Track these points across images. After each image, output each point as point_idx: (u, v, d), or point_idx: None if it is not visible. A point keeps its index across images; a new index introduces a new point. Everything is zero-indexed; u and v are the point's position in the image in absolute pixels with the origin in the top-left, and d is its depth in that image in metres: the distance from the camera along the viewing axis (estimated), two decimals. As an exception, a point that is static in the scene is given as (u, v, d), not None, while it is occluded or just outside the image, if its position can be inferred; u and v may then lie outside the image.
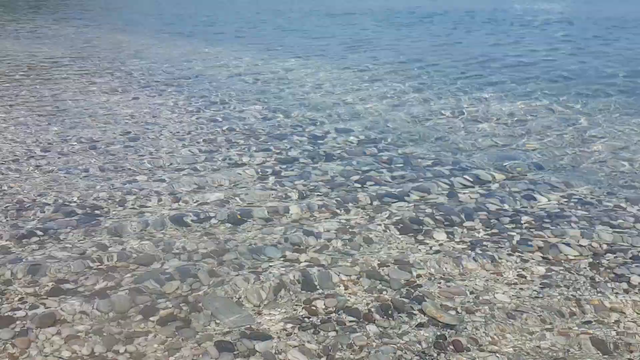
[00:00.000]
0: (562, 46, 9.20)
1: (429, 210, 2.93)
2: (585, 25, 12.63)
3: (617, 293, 2.15)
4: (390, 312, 2.06)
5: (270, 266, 2.38)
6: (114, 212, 2.88)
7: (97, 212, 2.88)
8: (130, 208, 2.95)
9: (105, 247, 2.52)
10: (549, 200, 3.04)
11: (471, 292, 2.16)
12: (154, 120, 4.67)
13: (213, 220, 2.82)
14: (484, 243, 2.56)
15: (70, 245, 2.52)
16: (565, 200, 3.05)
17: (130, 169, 3.54)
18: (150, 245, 2.55)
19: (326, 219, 2.85)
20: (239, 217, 2.87)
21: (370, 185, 3.34)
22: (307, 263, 2.40)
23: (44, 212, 2.88)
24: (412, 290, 2.19)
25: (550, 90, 5.85)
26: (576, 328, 1.95)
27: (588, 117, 4.79)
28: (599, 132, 4.35)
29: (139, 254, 2.48)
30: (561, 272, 2.30)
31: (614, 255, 2.44)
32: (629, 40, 10.03)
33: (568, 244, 2.53)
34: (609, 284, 2.21)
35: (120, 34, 11.21)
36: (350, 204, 3.04)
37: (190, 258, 2.45)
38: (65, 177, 3.37)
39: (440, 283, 2.24)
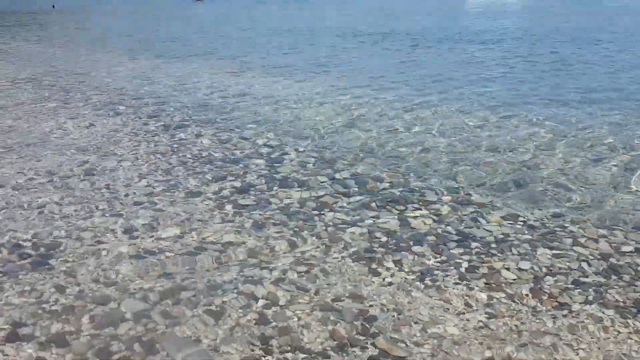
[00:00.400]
0: (517, 63, 9.53)
1: (382, 238, 3.02)
2: (539, 40, 13.09)
3: (554, 318, 2.27)
4: (344, 347, 2.13)
5: (225, 302, 2.42)
6: (69, 251, 2.87)
7: (52, 251, 2.87)
8: (88, 245, 2.94)
9: (62, 289, 2.51)
10: (494, 224, 3.18)
11: (420, 323, 2.26)
12: (110, 148, 4.64)
13: (169, 256, 2.84)
14: (434, 271, 2.66)
15: (28, 289, 2.51)
16: (510, 223, 3.19)
17: (87, 203, 3.52)
18: (106, 285, 2.55)
19: (283, 251, 2.91)
20: (194, 251, 2.90)
21: (327, 211, 3.42)
22: (263, 302, 2.45)
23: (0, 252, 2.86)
24: (365, 324, 2.27)
25: (505, 108, 6.06)
26: (515, 353, 2.07)
27: (537, 136, 4.98)
28: (547, 152, 4.54)
29: (94, 294, 2.48)
30: (503, 298, 2.42)
31: (554, 279, 2.57)
32: (580, 54, 10.44)
33: (508, 268, 2.66)
34: (549, 310, 2.33)
35: (82, 54, 11.07)
36: (306, 232, 3.11)
37: (145, 297, 2.46)
38: (21, 214, 3.34)
39: (392, 315, 2.32)
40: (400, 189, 3.74)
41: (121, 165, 4.23)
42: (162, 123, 5.50)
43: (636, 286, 2.51)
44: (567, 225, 3.15)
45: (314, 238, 3.05)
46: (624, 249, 2.86)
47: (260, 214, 3.37)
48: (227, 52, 11.25)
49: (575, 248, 2.88)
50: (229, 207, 3.47)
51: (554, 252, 2.83)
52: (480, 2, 33.11)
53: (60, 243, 2.96)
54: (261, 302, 2.44)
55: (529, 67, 8.59)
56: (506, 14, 21.50)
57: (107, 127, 5.28)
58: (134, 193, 3.68)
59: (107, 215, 3.33)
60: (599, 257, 2.78)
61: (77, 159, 4.36)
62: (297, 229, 3.16)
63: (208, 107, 6.17)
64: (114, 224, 3.21)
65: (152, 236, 3.07)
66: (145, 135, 5.07)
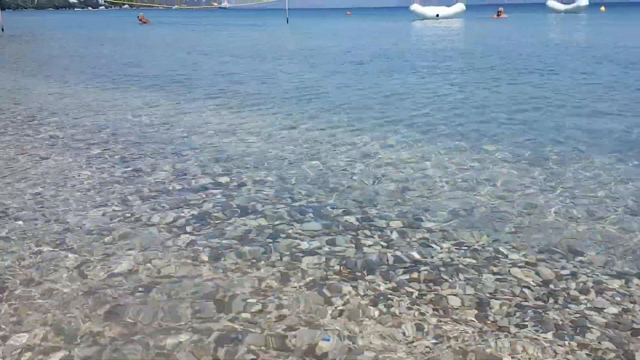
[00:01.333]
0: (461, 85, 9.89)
1: (335, 266, 3.11)
2: (486, 62, 13.60)
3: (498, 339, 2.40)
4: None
5: (181, 342, 2.42)
6: (17, 292, 2.82)
7: None
8: (37, 284, 2.90)
9: (5, 337, 2.45)
10: (442, 249, 3.31)
11: (372, 352, 2.33)
12: (63, 180, 4.58)
13: (121, 294, 2.82)
14: (387, 297, 2.76)
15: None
16: (455, 248, 3.33)
17: (38, 236, 3.48)
18: (55, 330, 2.50)
19: (239, 281, 2.95)
20: (147, 286, 2.90)
21: (283, 238, 3.49)
22: (217, 333, 2.47)
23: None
24: (319, 355, 2.33)
25: (453, 132, 6.29)
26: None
27: (480, 160, 5.20)
28: (487, 175, 4.75)
29: (44, 342, 2.41)
30: (449, 323, 2.53)
31: (499, 303, 2.71)
32: (514, 78, 10.92)
33: (456, 295, 2.78)
34: (493, 333, 2.46)
35: (36, 81, 10.85)
36: (263, 262, 3.16)
37: (96, 342, 2.41)
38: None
39: (347, 344, 2.38)
40: (355, 216, 3.84)
41: (74, 196, 4.19)
42: (119, 156, 5.46)
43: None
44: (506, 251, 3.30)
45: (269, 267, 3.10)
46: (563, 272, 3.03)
47: (218, 243, 3.40)
48: (177, 77, 11.26)
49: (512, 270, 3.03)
50: (183, 238, 3.49)
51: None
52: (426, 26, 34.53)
53: (7, 282, 2.91)
54: (214, 335, 2.46)
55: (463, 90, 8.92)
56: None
57: (59, 161, 5.21)
58: (87, 225, 3.66)
59: (58, 249, 3.30)
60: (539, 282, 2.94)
61: (29, 191, 4.29)
62: (253, 259, 3.21)
63: (162, 139, 6.17)
64: (65, 257, 3.18)
65: (105, 271, 3.05)
66: (98, 167, 5.03)
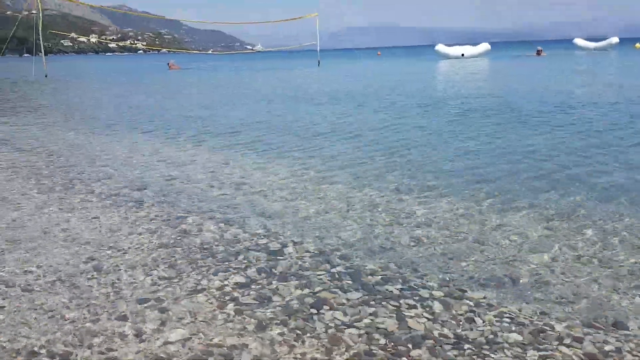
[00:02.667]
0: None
1: (380, 340, 3.17)
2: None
3: None
4: None
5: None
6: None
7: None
8: (97, 353, 3.06)
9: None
10: (485, 323, 3.34)
11: None
12: (115, 242, 4.80)
13: (178, 363, 2.96)
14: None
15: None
16: (497, 321, 3.36)
17: (94, 304, 3.65)
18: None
19: (286, 356, 3.04)
20: (200, 357, 3.02)
21: (326, 310, 3.58)
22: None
23: (14, 362, 2.97)
24: None
25: (489, 189, 6.33)
26: None
27: (521, 225, 5.22)
28: (530, 240, 4.76)
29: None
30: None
31: (544, 383, 2.72)
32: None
33: (503, 375, 2.81)
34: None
35: (72, 132, 11.35)
36: (308, 335, 3.25)
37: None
38: (34, 318, 3.45)
39: None
40: (397, 285, 3.91)
41: (126, 261, 4.38)
42: (165, 214, 5.69)
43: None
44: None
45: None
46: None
47: (262, 312, 3.51)
48: (221, 131, 11.60)
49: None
50: (230, 307, 3.61)
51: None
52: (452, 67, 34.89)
53: (71, 352, 3.07)
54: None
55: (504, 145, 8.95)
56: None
57: (109, 220, 5.46)
58: (140, 293, 3.82)
59: (113, 318, 3.46)
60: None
61: (83, 254, 4.51)
62: (298, 331, 3.30)
63: (203, 196, 6.38)
64: (121, 325, 3.33)
65: (158, 338, 3.19)
66: (146, 226, 5.25)
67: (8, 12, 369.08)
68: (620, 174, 6.80)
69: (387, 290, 3.84)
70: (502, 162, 7.69)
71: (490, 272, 4.12)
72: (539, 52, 54.40)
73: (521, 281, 3.95)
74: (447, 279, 4.01)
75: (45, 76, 36.14)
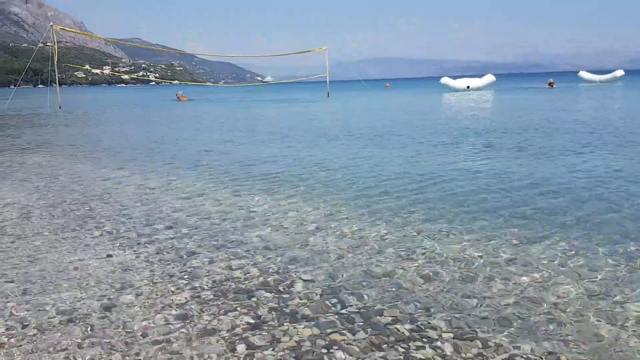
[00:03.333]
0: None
1: (390, 384, 3.19)
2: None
3: None
4: None
5: None
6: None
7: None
8: (110, 396, 3.10)
9: None
10: (497, 367, 3.35)
11: None
12: (126, 281, 4.87)
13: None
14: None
15: None
16: (509, 365, 3.37)
17: (108, 343, 3.70)
18: None
19: (296, 399, 3.06)
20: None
21: (335, 349, 3.60)
22: None
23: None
24: None
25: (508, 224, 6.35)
26: None
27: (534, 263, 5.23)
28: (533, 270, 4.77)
29: None
30: None
31: None
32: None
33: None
34: None
35: (83, 166, 11.53)
36: (318, 378, 3.28)
37: None
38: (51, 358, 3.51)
39: None
40: (407, 326, 3.93)
41: (138, 300, 4.44)
42: (175, 248, 5.77)
43: None
44: (564, 366, 3.31)
45: (325, 383, 3.20)
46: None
47: (272, 355, 3.54)
48: (231, 165, 11.73)
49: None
50: (241, 348, 3.65)
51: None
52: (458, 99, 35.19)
53: (86, 394, 3.11)
54: None
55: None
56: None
57: (121, 257, 5.54)
58: (153, 333, 3.87)
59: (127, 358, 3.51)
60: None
61: (95, 293, 4.57)
62: (309, 373, 3.32)
63: (213, 232, 6.45)
64: (135, 369, 3.38)
65: (171, 383, 3.23)
66: (158, 263, 5.32)
67: (24, 45, 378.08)
68: None
69: (396, 330, 3.86)
70: (520, 195, 7.72)
71: (502, 311, 4.12)
72: (550, 84, 54.96)
73: (532, 320, 3.95)
74: (457, 318, 4.02)
75: (59, 108, 36.82)
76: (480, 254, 5.37)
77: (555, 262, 5.11)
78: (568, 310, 4.11)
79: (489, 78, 55.10)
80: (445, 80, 56.46)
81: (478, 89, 53.37)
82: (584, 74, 65.85)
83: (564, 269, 4.94)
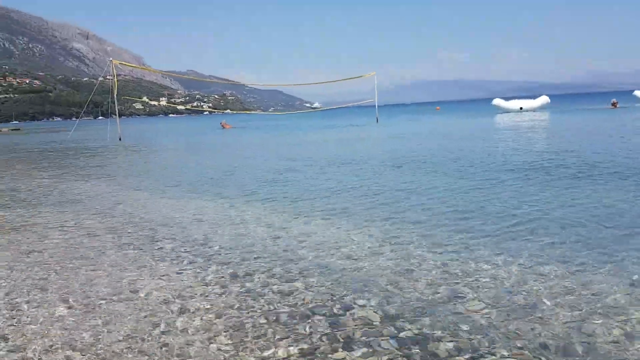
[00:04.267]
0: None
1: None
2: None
3: None
4: None
5: None
6: None
7: None
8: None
9: None
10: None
11: None
12: (183, 304, 4.92)
13: None
14: None
15: None
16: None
17: (163, 368, 3.74)
18: None
19: None
20: None
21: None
22: None
23: None
24: None
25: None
26: None
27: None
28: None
29: None
30: None
31: None
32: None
33: None
34: None
35: (143, 193, 11.89)
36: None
37: None
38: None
39: None
40: (467, 355, 3.78)
41: (193, 324, 4.48)
42: (230, 271, 5.82)
43: None
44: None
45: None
46: None
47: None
48: (283, 191, 11.82)
49: None
50: (297, 374, 3.59)
51: None
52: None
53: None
54: None
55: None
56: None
57: (177, 278, 5.63)
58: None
59: (183, 383, 3.52)
60: None
61: (152, 320, 4.64)
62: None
63: (266, 254, 6.46)
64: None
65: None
66: (214, 285, 5.37)
67: (85, 79, 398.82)
68: None
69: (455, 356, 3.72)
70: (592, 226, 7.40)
71: (566, 337, 3.92)
72: (614, 105, 52.90)
73: (599, 351, 3.73)
74: (519, 346, 3.84)
75: (119, 139, 38.35)
76: (545, 280, 5.16)
77: (622, 287, 4.83)
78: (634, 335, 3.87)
79: (544, 99, 53.71)
80: (497, 101, 55.59)
81: (532, 110, 52.11)
82: (639, 93, 63.15)
83: (629, 296, 4.66)
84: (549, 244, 6.29)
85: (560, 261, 5.65)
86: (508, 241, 6.52)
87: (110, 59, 41.40)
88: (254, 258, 6.34)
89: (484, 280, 5.24)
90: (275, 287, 5.31)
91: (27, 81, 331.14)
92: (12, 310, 4.94)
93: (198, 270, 5.95)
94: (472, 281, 5.23)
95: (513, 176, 11.67)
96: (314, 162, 17.31)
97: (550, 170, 12.27)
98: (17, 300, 5.20)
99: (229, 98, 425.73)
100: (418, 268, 5.71)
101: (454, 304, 4.71)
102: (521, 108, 51.99)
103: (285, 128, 52.41)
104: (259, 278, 5.58)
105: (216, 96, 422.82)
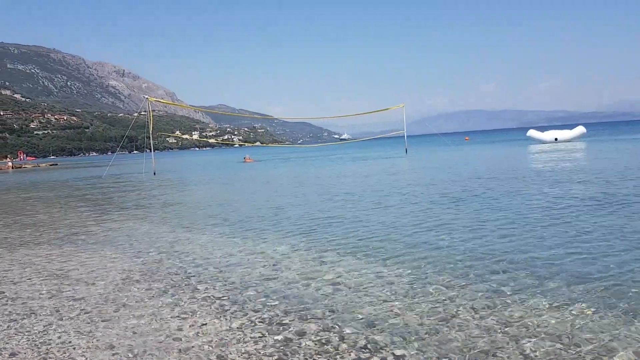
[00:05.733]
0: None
1: None
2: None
3: None
4: None
5: None
6: None
7: None
8: None
9: None
10: None
11: None
12: (220, 354, 4.99)
13: None
14: None
15: None
16: None
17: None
18: None
19: None
20: None
21: None
22: None
23: None
24: None
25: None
26: None
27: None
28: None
29: None
30: None
31: None
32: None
33: None
34: None
35: (180, 233, 12.11)
36: None
37: None
38: None
39: None
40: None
41: (234, 373, 4.54)
42: (267, 318, 5.87)
43: None
44: None
45: None
46: None
47: None
48: (311, 228, 11.88)
49: None
50: None
51: None
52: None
53: None
54: None
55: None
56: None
57: (216, 326, 5.71)
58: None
59: None
60: None
61: (195, 365, 4.73)
62: None
63: (305, 299, 6.50)
64: None
65: None
66: (251, 334, 5.43)
67: (120, 114, 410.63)
68: None
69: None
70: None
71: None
72: None
73: None
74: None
75: (154, 174, 39.21)
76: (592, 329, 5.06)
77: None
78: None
79: (580, 130, 52.56)
80: (531, 132, 55.24)
81: (567, 140, 51.20)
82: None
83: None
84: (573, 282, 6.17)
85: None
86: (550, 287, 6.42)
87: (146, 96, 42.66)
88: (289, 302, 6.37)
89: (522, 328, 5.17)
90: (312, 337, 5.32)
91: (65, 117, 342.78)
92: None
93: (233, 316, 6.01)
94: (506, 329, 5.16)
95: None
96: (349, 195, 17.36)
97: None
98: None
99: (259, 130, 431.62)
100: (454, 315, 5.67)
101: (490, 348, 4.66)
102: (556, 139, 51.21)
103: (317, 160, 52.74)
104: (295, 326, 5.60)
105: (246, 129, 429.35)
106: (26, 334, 5.75)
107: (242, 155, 73.14)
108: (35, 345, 5.40)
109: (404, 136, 55.56)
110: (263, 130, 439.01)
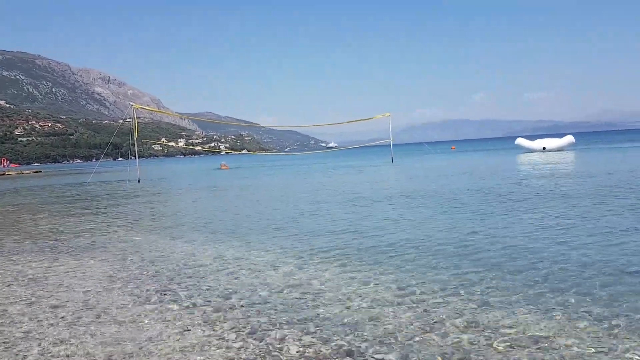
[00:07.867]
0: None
1: None
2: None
3: None
4: None
5: None
6: None
7: None
8: None
9: None
10: None
11: None
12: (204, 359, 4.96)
13: None
14: None
15: None
16: None
17: None
18: None
19: None
20: None
21: None
22: None
23: None
24: None
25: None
26: None
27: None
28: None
29: None
30: None
31: None
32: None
33: None
34: None
35: (163, 240, 12.02)
36: None
37: None
38: None
39: None
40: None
41: (214, 380, 4.50)
42: (249, 324, 5.84)
43: None
44: None
45: None
46: None
47: None
48: (298, 236, 11.87)
49: None
50: None
51: None
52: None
53: None
54: None
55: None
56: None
57: (198, 333, 5.66)
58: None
59: None
60: None
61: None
62: None
63: (288, 306, 6.47)
64: None
65: None
66: (234, 340, 5.39)
67: (105, 121, 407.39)
68: None
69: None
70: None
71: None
72: None
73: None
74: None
75: (138, 181, 38.93)
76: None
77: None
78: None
79: (568, 139, 52.67)
80: (520, 140, 55.51)
81: (556, 149, 51.38)
82: None
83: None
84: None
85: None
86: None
87: (131, 103, 42.36)
88: (272, 308, 6.35)
89: (505, 335, 5.20)
90: (294, 342, 5.30)
91: (50, 124, 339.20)
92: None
93: (216, 322, 5.97)
94: (492, 336, 5.19)
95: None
96: (340, 202, 17.37)
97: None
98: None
99: (246, 138, 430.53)
100: (438, 321, 5.69)
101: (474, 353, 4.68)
102: (544, 148, 51.44)
103: (305, 167, 52.74)
104: (275, 333, 5.59)
105: (233, 137, 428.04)
106: (3, 343, 5.66)
107: (229, 161, 73.68)
108: (13, 353, 5.32)
109: (390, 145, 55.83)
110: (250, 138, 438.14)
